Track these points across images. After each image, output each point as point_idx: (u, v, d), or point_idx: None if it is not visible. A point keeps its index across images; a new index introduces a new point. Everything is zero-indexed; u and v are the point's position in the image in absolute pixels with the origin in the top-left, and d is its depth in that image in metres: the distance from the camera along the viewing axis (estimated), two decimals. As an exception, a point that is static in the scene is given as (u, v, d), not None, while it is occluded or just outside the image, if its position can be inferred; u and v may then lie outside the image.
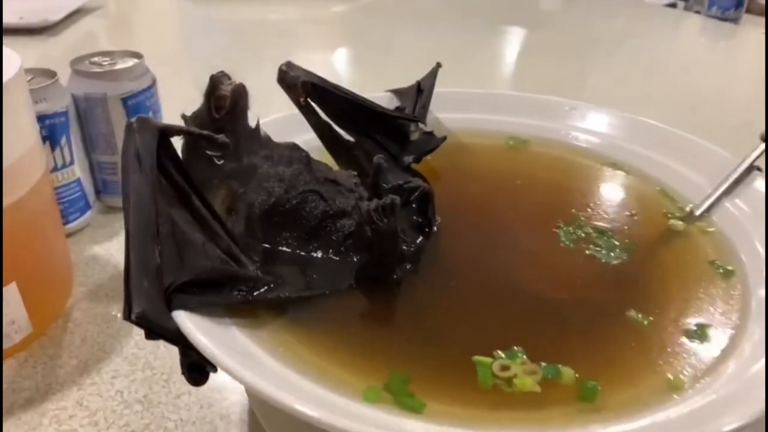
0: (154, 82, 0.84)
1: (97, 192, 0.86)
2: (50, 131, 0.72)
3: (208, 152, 0.53)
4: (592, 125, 0.72)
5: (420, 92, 0.71)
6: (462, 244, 0.58)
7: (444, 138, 0.68)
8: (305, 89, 0.60)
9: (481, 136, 0.73)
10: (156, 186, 0.47)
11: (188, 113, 0.57)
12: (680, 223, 0.59)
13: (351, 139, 0.65)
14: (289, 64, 0.62)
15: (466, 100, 0.75)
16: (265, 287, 0.49)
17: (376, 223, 0.49)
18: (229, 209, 0.57)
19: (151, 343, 0.65)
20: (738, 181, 0.60)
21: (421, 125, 0.68)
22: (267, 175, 0.56)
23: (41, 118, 0.70)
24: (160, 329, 0.43)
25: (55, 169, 0.76)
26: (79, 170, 0.80)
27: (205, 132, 0.49)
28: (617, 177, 0.67)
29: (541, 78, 1.37)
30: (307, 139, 0.66)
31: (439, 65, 0.73)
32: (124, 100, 0.80)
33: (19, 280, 0.60)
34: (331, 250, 0.54)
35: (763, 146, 0.61)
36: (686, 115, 1.23)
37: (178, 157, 0.50)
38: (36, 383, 0.62)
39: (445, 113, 0.73)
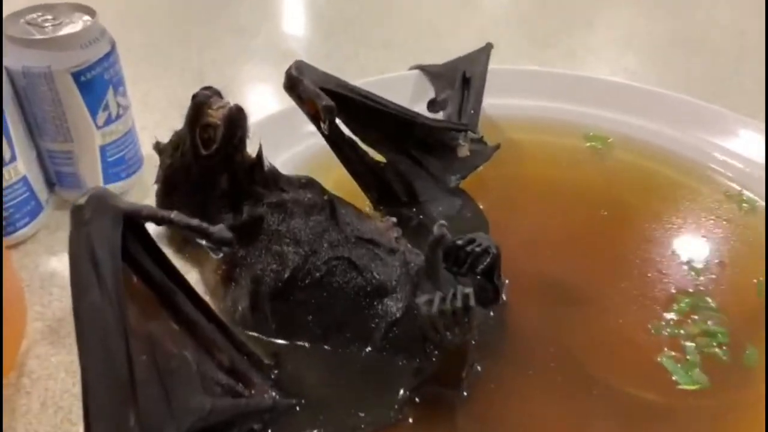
0: (113, 48, 0.65)
1: (51, 185, 0.69)
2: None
3: (205, 243, 0.37)
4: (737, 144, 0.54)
5: (466, 83, 0.54)
6: (535, 319, 0.44)
7: (497, 147, 0.52)
8: (328, 114, 0.43)
9: (549, 131, 0.56)
10: (123, 301, 0.32)
11: (162, 136, 0.40)
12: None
13: (381, 159, 0.49)
14: (299, 67, 0.44)
15: (526, 80, 0.58)
16: (285, 416, 0.35)
17: (441, 334, 0.35)
18: (226, 278, 0.42)
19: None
20: None
21: (470, 134, 0.51)
22: (278, 235, 0.41)
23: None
24: None
25: (-12, 169, 0.59)
26: (23, 166, 0.63)
27: (197, 223, 0.33)
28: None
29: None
30: (309, 144, 0.49)
31: (490, 46, 0.56)
32: (76, 75, 0.62)
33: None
34: (369, 345, 0.40)
35: None
36: None
37: (150, 239, 0.34)
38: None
39: (496, 98, 0.56)
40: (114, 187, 0.68)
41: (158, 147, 0.44)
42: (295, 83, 0.45)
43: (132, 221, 0.32)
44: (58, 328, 0.59)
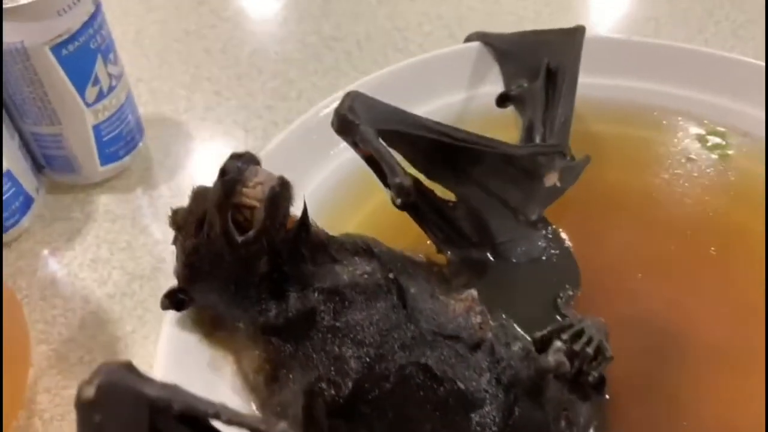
0: (98, 8, 0.53)
1: (39, 167, 0.59)
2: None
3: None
4: None
5: (551, 78, 0.42)
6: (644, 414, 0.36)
7: (587, 161, 0.42)
8: (402, 195, 0.33)
9: (649, 123, 0.45)
10: None
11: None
12: None
13: (445, 192, 0.39)
14: (353, 107, 0.34)
15: (616, 51, 0.46)
16: None
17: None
18: (271, 379, 0.34)
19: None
20: None
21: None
22: (334, 332, 0.32)
23: None
24: None
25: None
26: (5, 159, 0.53)
27: (251, 420, 0.24)
28: None
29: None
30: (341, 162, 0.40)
31: (582, 30, 0.44)
32: (55, 50, 0.51)
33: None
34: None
35: None
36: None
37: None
38: None
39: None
40: (113, 168, 0.59)
41: (176, 221, 0.34)
42: (349, 129, 0.34)
43: (159, 416, 0.23)
44: (66, 353, 0.52)
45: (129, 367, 0.24)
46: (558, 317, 0.39)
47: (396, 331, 0.33)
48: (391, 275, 0.34)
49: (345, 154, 0.43)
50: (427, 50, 0.58)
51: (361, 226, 0.44)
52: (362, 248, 0.35)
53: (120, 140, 0.59)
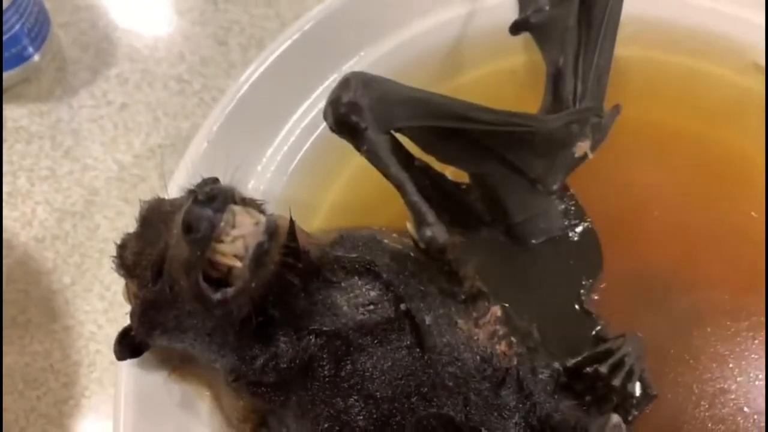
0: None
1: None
2: None
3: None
4: None
5: (584, 15, 0.33)
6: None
7: (617, 112, 0.35)
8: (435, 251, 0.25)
9: (701, 52, 0.38)
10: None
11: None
12: None
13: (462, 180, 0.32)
14: (356, 93, 0.25)
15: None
16: None
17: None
18: (259, 424, 0.29)
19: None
20: None
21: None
22: (336, 383, 0.27)
23: None
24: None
25: None
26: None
27: None
28: None
29: None
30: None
31: None
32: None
33: None
34: None
35: None
36: None
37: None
38: None
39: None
40: (23, 70, 0.47)
41: (125, 263, 0.26)
42: (353, 134, 0.25)
43: None
44: None
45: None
46: (581, 312, 0.34)
47: (411, 378, 0.28)
48: (403, 306, 0.28)
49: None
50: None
51: (344, 189, 0.36)
52: (364, 267, 0.28)
53: (21, 38, 0.46)
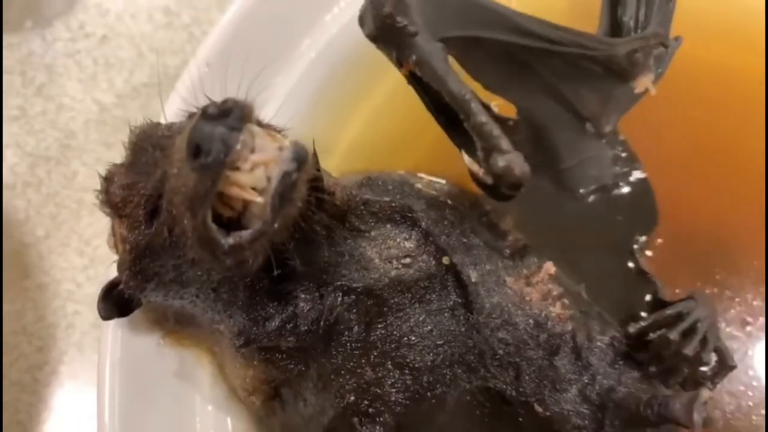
0: None
1: None
2: None
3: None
4: None
5: None
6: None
7: (678, 42, 0.31)
8: (510, 188, 0.21)
9: None
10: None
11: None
12: None
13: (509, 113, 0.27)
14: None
15: None
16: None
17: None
18: (271, 395, 0.25)
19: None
20: None
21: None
22: (366, 349, 0.23)
23: None
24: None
25: None
26: None
27: None
28: None
29: None
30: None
31: None
32: None
33: None
34: None
35: None
36: None
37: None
38: None
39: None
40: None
41: (111, 199, 0.21)
42: (398, 39, 0.21)
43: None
44: None
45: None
46: (636, 271, 0.30)
47: (455, 345, 0.23)
48: (446, 260, 0.23)
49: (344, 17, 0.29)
50: None
51: (369, 121, 0.32)
52: (399, 213, 0.24)
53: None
